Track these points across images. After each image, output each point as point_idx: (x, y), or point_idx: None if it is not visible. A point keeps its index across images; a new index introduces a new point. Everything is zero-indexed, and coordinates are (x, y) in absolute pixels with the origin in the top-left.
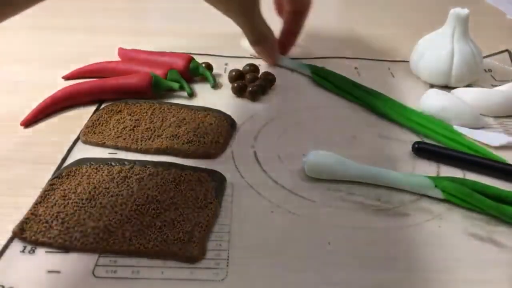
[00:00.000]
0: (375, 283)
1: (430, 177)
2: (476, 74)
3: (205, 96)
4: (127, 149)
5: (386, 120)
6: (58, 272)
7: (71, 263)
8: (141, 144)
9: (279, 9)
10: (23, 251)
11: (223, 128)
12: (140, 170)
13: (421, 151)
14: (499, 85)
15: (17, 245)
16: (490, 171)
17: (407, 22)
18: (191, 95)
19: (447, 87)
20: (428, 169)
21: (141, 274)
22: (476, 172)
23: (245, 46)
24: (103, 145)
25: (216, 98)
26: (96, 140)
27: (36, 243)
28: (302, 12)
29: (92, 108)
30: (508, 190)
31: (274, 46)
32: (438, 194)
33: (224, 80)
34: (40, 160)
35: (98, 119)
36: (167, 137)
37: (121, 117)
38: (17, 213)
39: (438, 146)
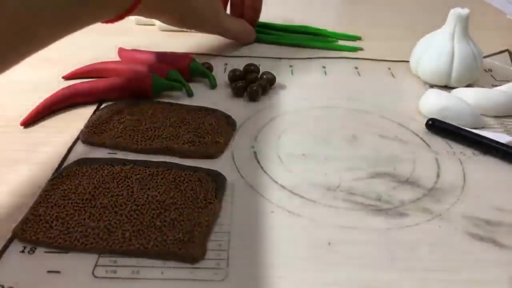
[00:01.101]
0: (375, 283)
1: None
2: (476, 74)
3: (205, 96)
4: (127, 149)
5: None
6: (58, 272)
7: (71, 263)
8: (141, 144)
9: None
10: (23, 251)
11: (223, 128)
12: (140, 170)
13: (434, 128)
14: (499, 85)
15: (17, 245)
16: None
17: (407, 22)
18: (191, 95)
19: (447, 87)
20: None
21: (141, 274)
22: (488, 153)
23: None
24: (103, 145)
25: (216, 98)
26: (96, 140)
27: (36, 243)
28: None
29: (92, 108)
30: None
31: (249, 33)
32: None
33: (224, 80)
34: (40, 160)
35: (98, 119)
36: (167, 137)
37: (121, 117)
38: (17, 213)
39: (450, 125)
